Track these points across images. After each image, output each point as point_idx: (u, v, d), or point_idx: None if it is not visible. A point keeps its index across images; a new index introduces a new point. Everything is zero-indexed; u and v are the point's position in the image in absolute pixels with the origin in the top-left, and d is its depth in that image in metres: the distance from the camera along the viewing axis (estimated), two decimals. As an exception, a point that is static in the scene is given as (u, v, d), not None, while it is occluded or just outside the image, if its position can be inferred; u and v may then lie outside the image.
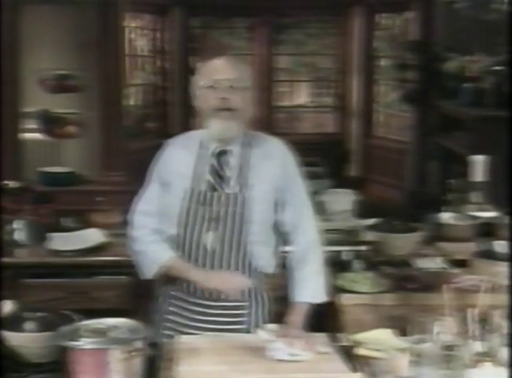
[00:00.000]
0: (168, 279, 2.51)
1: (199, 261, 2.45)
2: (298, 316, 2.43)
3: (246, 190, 2.44)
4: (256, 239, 2.46)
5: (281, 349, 2.23)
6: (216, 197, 2.44)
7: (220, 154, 2.48)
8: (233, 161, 2.47)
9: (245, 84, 2.45)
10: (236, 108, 2.42)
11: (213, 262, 2.45)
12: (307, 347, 2.25)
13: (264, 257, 2.51)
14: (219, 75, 2.41)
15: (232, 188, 2.45)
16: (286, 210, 2.50)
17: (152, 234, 2.51)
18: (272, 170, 2.48)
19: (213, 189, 2.45)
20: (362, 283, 2.99)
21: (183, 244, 2.46)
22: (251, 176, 2.46)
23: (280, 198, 2.49)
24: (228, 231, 2.44)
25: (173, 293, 2.52)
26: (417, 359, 2.14)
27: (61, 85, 5.98)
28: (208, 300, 2.48)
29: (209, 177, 2.46)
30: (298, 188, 2.53)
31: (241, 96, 2.42)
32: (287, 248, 2.56)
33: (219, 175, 2.47)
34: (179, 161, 2.50)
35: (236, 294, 2.43)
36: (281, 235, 2.54)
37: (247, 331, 2.48)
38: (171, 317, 2.51)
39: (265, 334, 2.30)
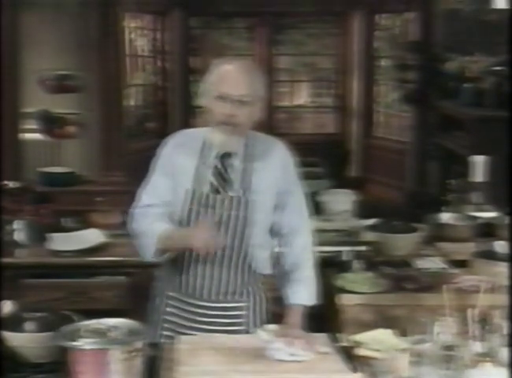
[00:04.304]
0: (166, 278, 2.51)
1: (199, 263, 2.45)
2: (296, 317, 2.43)
3: (249, 193, 2.42)
4: (256, 242, 2.46)
5: (281, 349, 2.23)
6: (219, 200, 2.42)
7: (224, 156, 2.45)
8: (237, 163, 2.45)
9: (255, 97, 2.37)
10: (241, 123, 2.37)
11: (214, 265, 2.44)
12: (307, 347, 2.25)
13: (262, 259, 2.51)
14: (229, 89, 2.32)
15: (236, 191, 2.43)
16: (285, 213, 2.49)
17: (153, 216, 2.44)
18: (275, 173, 2.46)
19: (216, 191, 2.43)
20: (362, 283, 2.99)
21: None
22: (254, 179, 2.44)
23: (280, 200, 2.48)
24: (230, 234, 2.42)
25: (171, 293, 2.51)
26: (418, 359, 2.15)
27: (61, 85, 5.98)
28: (206, 301, 2.48)
29: (212, 179, 2.44)
30: (297, 191, 2.52)
31: (249, 110, 2.36)
32: (280, 249, 2.55)
33: (222, 177, 2.44)
34: (180, 161, 2.46)
35: (209, 252, 2.32)
36: (277, 237, 2.54)
37: (246, 332, 2.48)
38: (169, 318, 2.51)
39: (265, 334, 2.30)
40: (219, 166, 2.44)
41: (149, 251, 2.44)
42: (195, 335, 2.43)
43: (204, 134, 2.48)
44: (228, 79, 2.35)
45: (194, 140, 2.49)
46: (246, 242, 2.44)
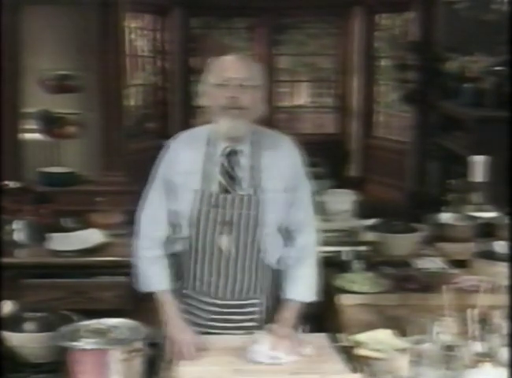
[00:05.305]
0: (179, 276, 2.50)
1: (214, 263, 2.44)
2: (290, 313, 2.43)
3: (260, 191, 2.41)
4: (269, 239, 2.45)
5: (262, 352, 2.24)
6: (229, 199, 2.40)
7: (231, 154, 2.43)
8: (244, 161, 2.43)
9: (255, 83, 2.39)
10: (246, 106, 2.37)
11: (228, 264, 2.44)
12: (290, 350, 2.25)
13: (275, 255, 2.49)
14: (229, 74, 2.36)
15: (245, 190, 2.41)
16: (292, 209, 2.47)
17: (156, 247, 2.46)
18: (283, 171, 2.45)
19: (225, 191, 2.41)
20: (362, 283, 2.99)
21: (195, 246, 2.44)
22: (264, 177, 2.42)
23: (289, 196, 2.46)
24: (243, 233, 2.41)
25: (184, 291, 2.50)
26: (417, 359, 2.15)
27: (61, 85, 5.98)
28: (221, 299, 2.47)
29: (220, 178, 2.42)
30: (304, 188, 2.51)
31: (251, 95, 2.37)
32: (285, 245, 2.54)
33: (230, 175, 2.42)
34: (185, 161, 2.44)
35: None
36: (283, 233, 2.52)
37: (259, 328, 2.45)
38: (184, 316, 2.48)
39: (259, 335, 2.31)
40: (226, 164, 2.43)
41: (142, 288, 2.48)
42: (210, 332, 2.44)
43: (208, 130, 2.47)
44: (227, 67, 2.38)
45: (198, 138, 2.48)
46: (258, 240, 2.43)
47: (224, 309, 2.48)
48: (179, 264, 2.49)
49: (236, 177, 2.42)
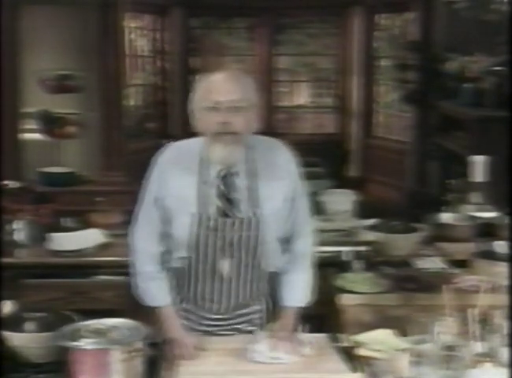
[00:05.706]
0: (179, 290, 2.47)
1: (215, 284, 2.41)
2: (288, 319, 2.42)
3: (259, 213, 2.34)
4: (270, 253, 2.42)
5: (262, 352, 2.24)
6: (229, 223, 2.33)
7: (226, 176, 2.35)
8: (240, 182, 2.34)
9: (248, 103, 2.27)
10: (239, 131, 2.26)
11: (230, 284, 2.40)
12: (290, 350, 2.25)
13: (275, 264, 2.46)
14: (220, 96, 2.23)
15: (245, 212, 2.34)
16: (290, 218, 2.44)
17: (154, 262, 2.41)
18: (281, 184, 2.37)
19: (224, 214, 2.34)
20: (362, 283, 2.99)
21: (195, 267, 2.40)
22: (261, 196, 2.34)
23: (287, 208, 2.42)
24: (244, 253, 2.37)
25: (184, 306, 2.47)
26: (418, 359, 2.15)
27: (61, 85, 5.99)
28: (223, 314, 2.46)
29: (217, 202, 2.33)
30: (302, 194, 2.46)
31: (244, 117, 2.25)
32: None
33: (227, 198, 2.34)
34: (179, 185, 2.35)
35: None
36: (281, 241, 2.49)
37: (260, 329, 2.43)
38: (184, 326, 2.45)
39: (259, 335, 2.31)
40: (222, 187, 2.34)
41: (143, 302, 2.45)
42: None
43: (200, 148, 2.36)
44: (217, 89, 2.26)
45: (189, 158, 2.37)
46: (259, 256, 2.39)
47: (224, 322, 2.47)
48: (177, 279, 2.45)
49: (234, 200, 2.34)
